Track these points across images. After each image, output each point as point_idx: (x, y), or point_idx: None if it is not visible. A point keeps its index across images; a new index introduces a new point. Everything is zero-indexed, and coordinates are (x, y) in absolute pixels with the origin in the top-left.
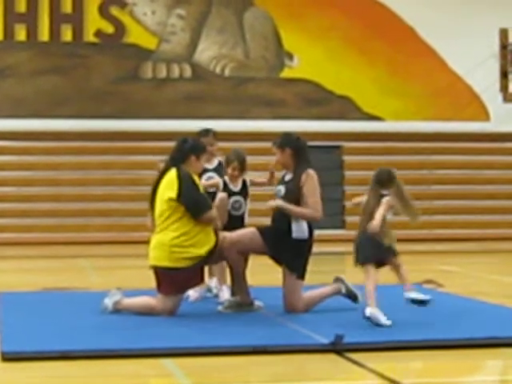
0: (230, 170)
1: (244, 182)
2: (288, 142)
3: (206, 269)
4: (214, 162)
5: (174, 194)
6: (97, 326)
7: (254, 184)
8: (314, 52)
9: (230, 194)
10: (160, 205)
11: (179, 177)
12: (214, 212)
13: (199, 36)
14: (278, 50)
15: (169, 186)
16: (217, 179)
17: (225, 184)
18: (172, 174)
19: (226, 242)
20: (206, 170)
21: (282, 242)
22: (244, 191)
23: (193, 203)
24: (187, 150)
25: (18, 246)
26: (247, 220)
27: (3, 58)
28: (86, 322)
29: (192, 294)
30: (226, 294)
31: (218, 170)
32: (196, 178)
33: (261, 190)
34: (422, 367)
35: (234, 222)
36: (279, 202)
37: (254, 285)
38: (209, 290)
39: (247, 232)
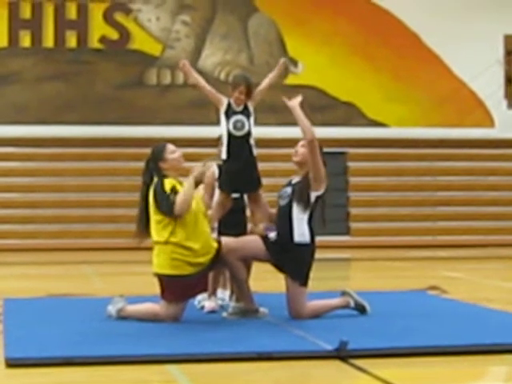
0: (236, 94)
1: (246, 106)
2: (320, 147)
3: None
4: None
5: (156, 207)
6: (101, 332)
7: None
8: (319, 58)
9: (232, 113)
10: (154, 216)
11: (154, 191)
12: (179, 201)
13: (203, 42)
14: (283, 56)
15: (153, 200)
16: (221, 96)
17: (229, 104)
18: (151, 189)
19: (228, 249)
20: (234, 113)
21: (285, 249)
22: (246, 111)
23: (166, 209)
24: (153, 163)
25: (22, 252)
26: (253, 142)
27: (8, 64)
28: (90, 328)
29: (208, 304)
30: (212, 303)
31: (245, 112)
32: (168, 182)
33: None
34: (427, 374)
35: (238, 143)
36: (293, 103)
37: (258, 291)
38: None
39: (250, 239)
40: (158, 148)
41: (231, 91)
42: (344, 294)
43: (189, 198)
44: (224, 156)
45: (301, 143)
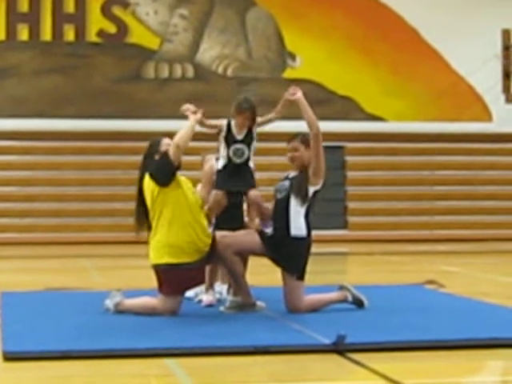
0: (240, 119)
1: (250, 130)
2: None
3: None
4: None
5: (153, 186)
6: (99, 326)
7: (260, 124)
8: (317, 52)
9: (233, 141)
10: (151, 209)
11: (149, 174)
12: (177, 136)
13: (201, 36)
14: (281, 50)
15: (150, 188)
16: (221, 121)
17: (229, 128)
18: (147, 178)
19: (224, 243)
20: (235, 141)
21: (281, 242)
22: (248, 138)
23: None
24: (149, 158)
25: (20, 246)
26: (253, 166)
27: (5, 58)
28: (88, 321)
29: (205, 298)
30: (210, 297)
31: (247, 139)
32: None
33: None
34: (424, 368)
35: (237, 167)
36: (299, 95)
37: (255, 285)
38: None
39: (246, 233)
40: (153, 142)
41: (235, 115)
42: (342, 288)
43: (186, 136)
44: (220, 167)
45: (292, 145)
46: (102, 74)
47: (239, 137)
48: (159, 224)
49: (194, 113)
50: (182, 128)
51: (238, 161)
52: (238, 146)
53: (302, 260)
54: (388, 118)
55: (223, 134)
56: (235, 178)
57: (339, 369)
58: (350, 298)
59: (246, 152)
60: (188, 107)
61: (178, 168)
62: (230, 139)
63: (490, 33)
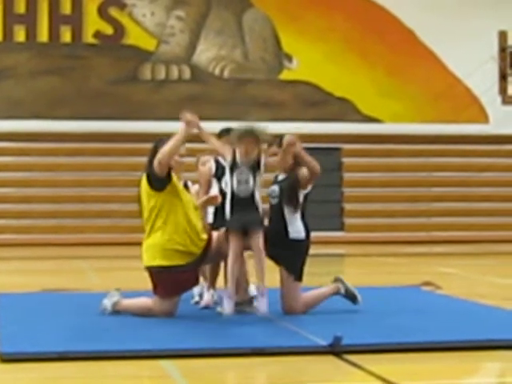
0: (242, 148)
1: (258, 162)
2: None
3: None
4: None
5: (147, 187)
6: (95, 327)
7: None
8: (313, 54)
9: (237, 167)
10: (146, 210)
11: (146, 174)
12: (163, 149)
13: (198, 37)
14: (277, 52)
15: (144, 188)
16: (223, 148)
17: (234, 157)
18: (144, 178)
19: (224, 241)
20: (238, 167)
21: (280, 244)
22: (254, 166)
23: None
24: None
25: (17, 247)
26: (258, 199)
27: (2, 59)
28: (85, 323)
29: (204, 298)
30: (207, 298)
31: (252, 169)
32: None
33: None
34: (421, 369)
35: (242, 205)
36: (298, 147)
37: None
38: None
39: None
40: (157, 143)
41: (237, 145)
42: (336, 280)
43: (171, 151)
44: (227, 216)
45: (271, 151)
46: (99, 75)
47: (244, 163)
48: (154, 226)
49: (189, 123)
50: (171, 139)
51: (241, 194)
52: (243, 170)
53: (300, 261)
54: (385, 119)
55: (228, 164)
56: (240, 214)
57: (336, 370)
58: (342, 290)
59: (251, 181)
60: (185, 116)
61: (170, 171)
62: (234, 167)
63: (486, 34)
